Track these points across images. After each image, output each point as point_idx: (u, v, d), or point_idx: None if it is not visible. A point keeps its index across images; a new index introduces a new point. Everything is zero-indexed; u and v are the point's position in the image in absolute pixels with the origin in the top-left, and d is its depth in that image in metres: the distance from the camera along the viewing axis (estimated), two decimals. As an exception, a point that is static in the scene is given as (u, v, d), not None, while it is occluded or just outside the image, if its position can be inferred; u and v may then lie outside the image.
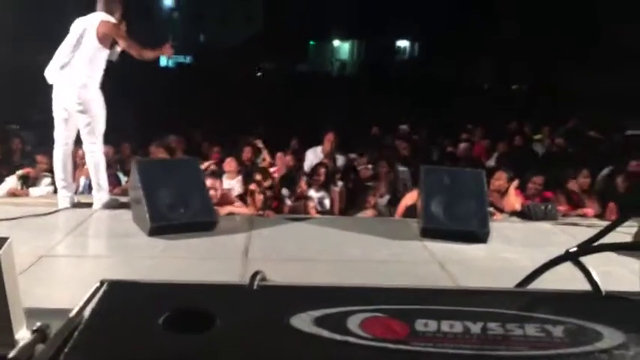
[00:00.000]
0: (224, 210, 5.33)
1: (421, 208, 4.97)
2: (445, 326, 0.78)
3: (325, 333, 0.76)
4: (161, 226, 4.54)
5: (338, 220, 5.68)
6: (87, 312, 0.79)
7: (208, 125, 10.58)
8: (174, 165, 5.25)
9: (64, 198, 5.39)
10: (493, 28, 26.40)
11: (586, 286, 0.95)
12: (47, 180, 6.21)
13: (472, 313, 0.82)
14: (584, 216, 6.00)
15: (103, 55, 5.21)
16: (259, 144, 7.79)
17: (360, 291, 0.90)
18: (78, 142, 5.50)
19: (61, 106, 5.23)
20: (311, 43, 44.13)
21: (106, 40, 5.18)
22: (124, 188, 6.11)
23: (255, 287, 0.89)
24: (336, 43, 45.42)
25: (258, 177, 6.04)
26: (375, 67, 32.55)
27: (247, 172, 6.67)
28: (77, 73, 5.14)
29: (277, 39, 34.73)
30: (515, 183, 6.13)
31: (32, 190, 6.11)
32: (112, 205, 5.41)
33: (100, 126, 5.29)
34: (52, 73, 5.20)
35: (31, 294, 2.84)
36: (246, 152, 7.43)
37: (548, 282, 1.03)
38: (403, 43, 43.20)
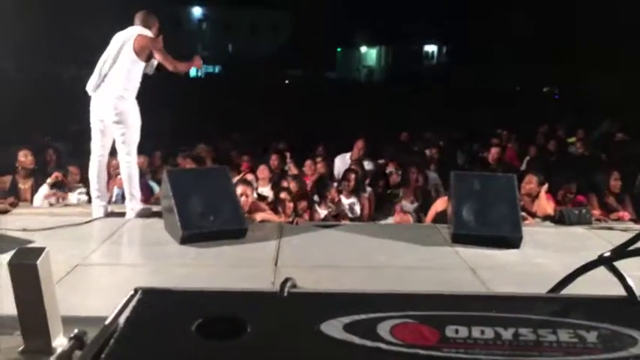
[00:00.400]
0: (256, 216, 5.38)
1: (452, 213, 4.93)
2: (476, 332, 0.78)
3: (356, 339, 0.76)
4: (192, 234, 4.59)
5: (367, 227, 5.67)
6: (122, 319, 0.81)
7: (237, 134, 10.68)
8: (204, 174, 5.30)
9: (98, 208, 5.51)
10: (522, 30, 26.10)
11: (621, 292, 0.93)
12: (80, 190, 6.34)
13: (503, 319, 0.81)
14: (619, 220, 5.88)
15: (139, 68, 5.33)
16: (287, 155, 7.83)
17: (389, 297, 0.90)
18: (112, 153, 5.62)
19: (98, 117, 5.37)
20: (338, 50, 44.24)
21: (143, 53, 5.31)
22: (156, 197, 6.20)
23: (285, 294, 0.89)
24: (364, 49, 45.44)
25: (287, 184, 6.08)
26: (402, 73, 32.44)
27: (275, 180, 6.71)
28: (114, 86, 5.28)
29: (304, 47, 34.90)
30: (546, 187, 6.04)
31: (70, 195, 6.24)
32: (144, 214, 5.50)
33: (135, 137, 5.41)
34: (92, 86, 5.34)
35: (67, 302, 2.90)
36: (274, 160, 7.48)
37: (581, 287, 1.02)
38: (431, 48, 42.99)
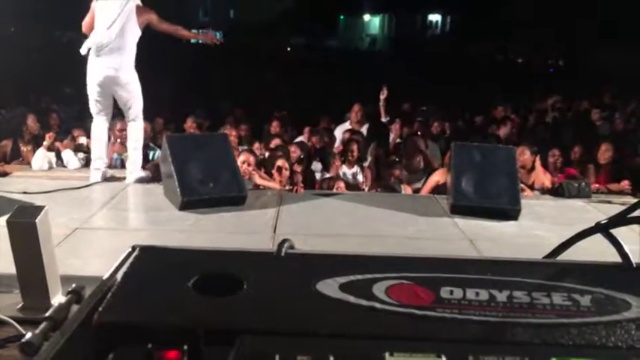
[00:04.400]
0: (255, 180, 5.40)
1: (451, 184, 4.93)
2: (471, 294, 0.78)
3: (351, 298, 0.77)
4: (192, 201, 4.61)
5: (366, 196, 5.68)
6: (119, 275, 0.82)
7: (237, 100, 10.62)
8: (204, 140, 5.30)
9: (96, 172, 5.52)
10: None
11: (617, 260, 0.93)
12: (81, 155, 6.34)
13: (498, 282, 0.82)
14: (620, 192, 5.89)
15: (137, 38, 5.41)
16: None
17: (385, 259, 0.91)
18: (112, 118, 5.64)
19: (99, 83, 5.37)
20: (341, 17, 43.69)
21: (143, 24, 5.39)
22: (155, 163, 6.20)
23: (282, 254, 0.90)
24: (367, 17, 44.86)
25: (286, 152, 6.07)
26: (405, 43, 32.09)
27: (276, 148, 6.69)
28: (116, 55, 5.32)
29: (307, 14, 34.47)
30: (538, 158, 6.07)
31: (66, 158, 6.24)
32: (143, 180, 5.51)
33: (140, 103, 5.49)
34: (89, 48, 5.32)
35: (66, 264, 2.93)
36: (274, 127, 7.45)
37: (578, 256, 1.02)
38: (435, 18, 42.46)
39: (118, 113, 5.90)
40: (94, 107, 5.51)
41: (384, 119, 7.86)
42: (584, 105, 10.91)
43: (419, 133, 7.41)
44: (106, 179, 5.57)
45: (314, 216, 4.76)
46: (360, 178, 6.39)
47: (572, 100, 11.34)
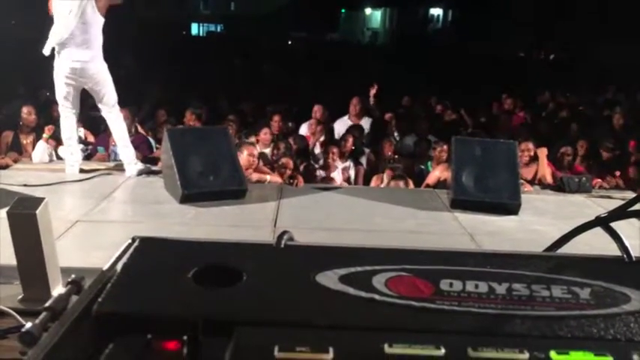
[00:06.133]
0: (252, 177, 5.39)
1: (452, 179, 4.93)
2: (470, 286, 0.78)
3: (351, 290, 0.77)
4: (192, 194, 4.61)
5: (367, 190, 5.68)
6: (119, 266, 0.82)
7: (236, 93, 10.59)
8: (205, 134, 5.30)
9: (71, 165, 5.50)
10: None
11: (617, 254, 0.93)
12: (81, 146, 6.32)
13: (498, 275, 0.82)
14: (617, 187, 5.90)
15: (101, 26, 5.25)
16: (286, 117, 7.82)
17: (385, 252, 0.91)
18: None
19: (67, 77, 5.27)
20: (342, 11, 43.55)
21: (104, 10, 5.23)
22: (156, 155, 6.20)
23: (282, 246, 0.90)
24: (368, 11, 44.72)
25: (287, 145, 6.07)
26: (407, 37, 31.99)
27: (275, 142, 6.68)
28: (83, 48, 5.18)
29: (308, 7, 34.36)
30: (545, 150, 6.06)
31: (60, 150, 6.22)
32: (144, 172, 5.51)
33: (113, 93, 5.37)
34: (52, 46, 5.19)
35: (67, 257, 2.93)
36: (275, 121, 7.44)
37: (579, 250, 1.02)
38: (436, 12, 42.32)
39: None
40: (62, 104, 5.40)
41: (366, 126, 7.72)
42: (586, 99, 10.90)
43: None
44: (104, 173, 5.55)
45: (314, 210, 4.77)
46: (352, 172, 6.38)
47: (574, 95, 11.33)
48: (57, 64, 5.27)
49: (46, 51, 5.20)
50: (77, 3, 5.11)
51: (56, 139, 6.16)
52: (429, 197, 5.26)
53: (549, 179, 5.89)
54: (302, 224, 4.37)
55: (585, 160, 6.62)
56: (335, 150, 6.39)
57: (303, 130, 7.42)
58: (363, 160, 6.79)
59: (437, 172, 5.87)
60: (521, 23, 26.26)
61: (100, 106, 5.46)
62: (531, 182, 5.85)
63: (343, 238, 4.10)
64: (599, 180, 5.98)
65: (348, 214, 4.69)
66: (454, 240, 4.17)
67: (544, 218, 4.71)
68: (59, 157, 6.24)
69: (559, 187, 5.70)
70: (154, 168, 5.57)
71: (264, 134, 6.62)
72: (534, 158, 6.00)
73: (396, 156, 6.76)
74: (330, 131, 7.50)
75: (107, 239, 3.94)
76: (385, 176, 5.83)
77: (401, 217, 4.62)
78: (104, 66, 5.32)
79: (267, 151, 6.47)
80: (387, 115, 8.02)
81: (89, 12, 5.15)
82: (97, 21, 5.21)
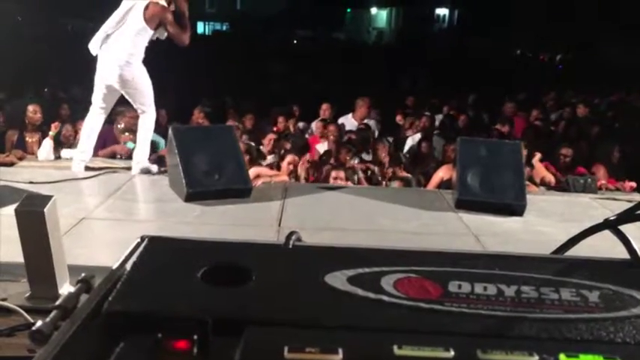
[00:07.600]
0: (256, 182, 5.40)
1: (456, 179, 4.92)
2: (479, 288, 0.78)
3: (359, 291, 0.77)
4: (197, 192, 4.62)
5: (372, 190, 5.68)
6: (129, 265, 0.82)
7: (243, 92, 10.61)
8: (210, 132, 5.30)
9: (78, 162, 5.52)
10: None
11: (625, 257, 0.93)
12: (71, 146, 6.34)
13: (506, 277, 0.82)
14: (623, 190, 5.87)
15: (147, 36, 5.28)
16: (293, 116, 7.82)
17: (394, 253, 0.91)
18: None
19: (102, 79, 5.34)
20: (348, 10, 43.53)
21: (153, 22, 5.25)
22: (161, 154, 6.21)
23: (290, 246, 0.90)
24: (374, 11, 44.68)
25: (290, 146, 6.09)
26: (412, 37, 31.94)
27: (280, 142, 6.70)
28: (119, 50, 5.23)
29: (313, 7, 34.36)
30: (539, 156, 6.05)
31: (64, 152, 6.24)
32: (149, 171, 5.53)
33: (146, 97, 5.41)
34: (95, 45, 5.27)
35: (73, 254, 2.94)
36: (280, 121, 7.46)
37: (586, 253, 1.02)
38: (442, 12, 42.25)
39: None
40: (94, 102, 5.46)
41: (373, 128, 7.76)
42: (593, 101, 10.86)
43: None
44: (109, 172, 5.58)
45: (319, 209, 4.77)
46: (359, 172, 6.38)
47: (579, 96, 11.29)
48: (98, 64, 5.33)
49: (93, 49, 5.25)
50: (126, 8, 5.18)
51: (57, 142, 6.18)
52: (433, 197, 5.26)
53: (551, 180, 5.88)
54: (307, 224, 4.36)
55: (588, 162, 6.59)
56: (344, 150, 6.40)
57: (313, 128, 7.45)
58: (368, 157, 6.79)
59: (440, 173, 5.87)
60: (526, 23, 26.20)
61: (135, 106, 5.52)
62: (536, 183, 5.85)
63: (348, 239, 4.10)
64: (603, 181, 5.97)
65: (353, 214, 4.69)
66: (459, 241, 4.17)
67: (549, 219, 4.70)
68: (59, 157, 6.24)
69: (564, 187, 5.69)
70: (154, 169, 5.58)
71: (268, 141, 6.63)
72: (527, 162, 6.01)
73: (408, 155, 6.77)
74: (340, 130, 7.52)
75: (113, 237, 3.95)
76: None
77: (406, 217, 4.61)
78: (140, 71, 5.32)
79: (271, 158, 6.47)
80: (398, 117, 8.01)
81: (135, 19, 5.18)
82: (141, 29, 5.21)
